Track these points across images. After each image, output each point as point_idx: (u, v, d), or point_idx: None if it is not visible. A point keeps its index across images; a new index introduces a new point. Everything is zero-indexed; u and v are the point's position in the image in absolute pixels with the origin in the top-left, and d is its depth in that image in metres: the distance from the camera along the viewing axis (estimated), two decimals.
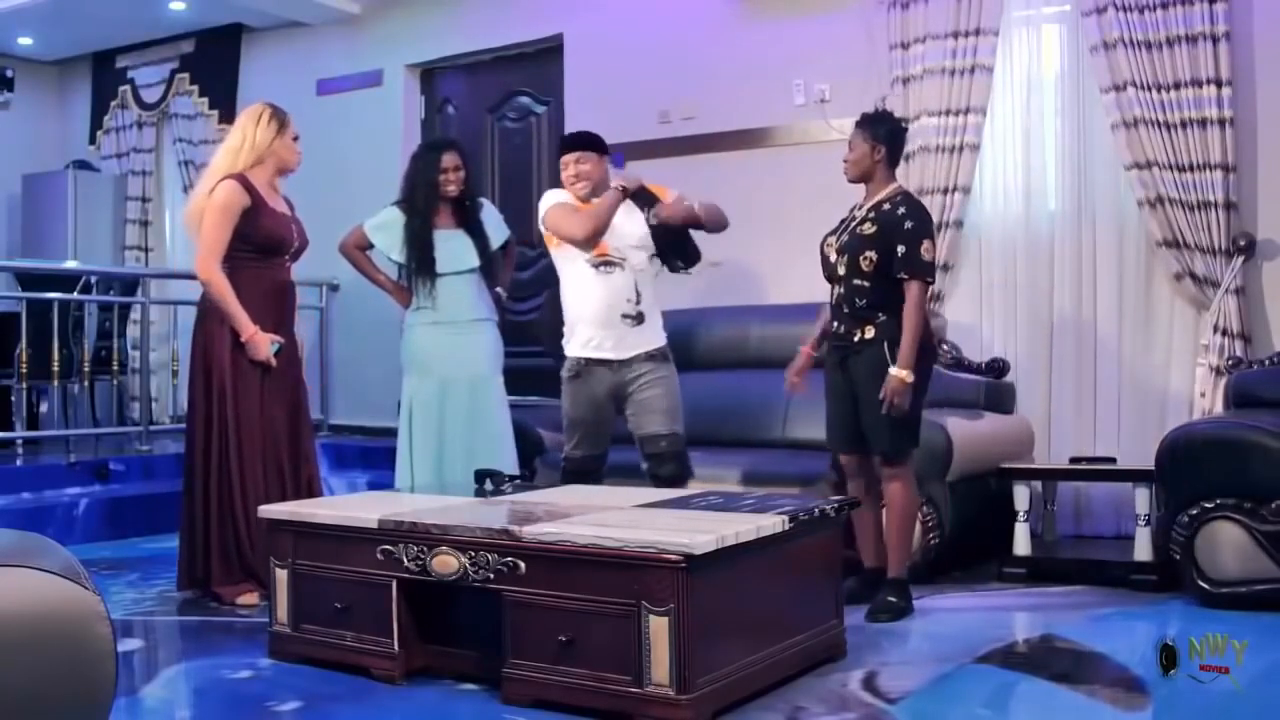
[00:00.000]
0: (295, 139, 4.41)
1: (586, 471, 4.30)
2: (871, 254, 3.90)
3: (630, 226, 4.21)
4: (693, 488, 4.09)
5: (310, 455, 4.48)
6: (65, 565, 1.84)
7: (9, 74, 8.57)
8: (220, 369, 4.25)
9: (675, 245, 4.25)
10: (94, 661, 1.77)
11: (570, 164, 4.30)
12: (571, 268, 4.26)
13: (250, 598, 4.16)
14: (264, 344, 4.26)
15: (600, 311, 4.20)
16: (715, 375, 5.44)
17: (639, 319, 4.22)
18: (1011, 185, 5.38)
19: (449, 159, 4.74)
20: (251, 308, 4.27)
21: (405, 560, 3.19)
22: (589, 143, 4.37)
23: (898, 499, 3.96)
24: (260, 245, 4.30)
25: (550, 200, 4.33)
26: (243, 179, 4.26)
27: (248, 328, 4.23)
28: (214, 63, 7.91)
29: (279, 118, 4.39)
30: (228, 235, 4.25)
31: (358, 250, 4.85)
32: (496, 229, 4.87)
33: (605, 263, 4.20)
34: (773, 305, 5.56)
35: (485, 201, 5.00)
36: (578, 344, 4.27)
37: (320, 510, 3.54)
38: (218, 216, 4.23)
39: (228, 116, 7.68)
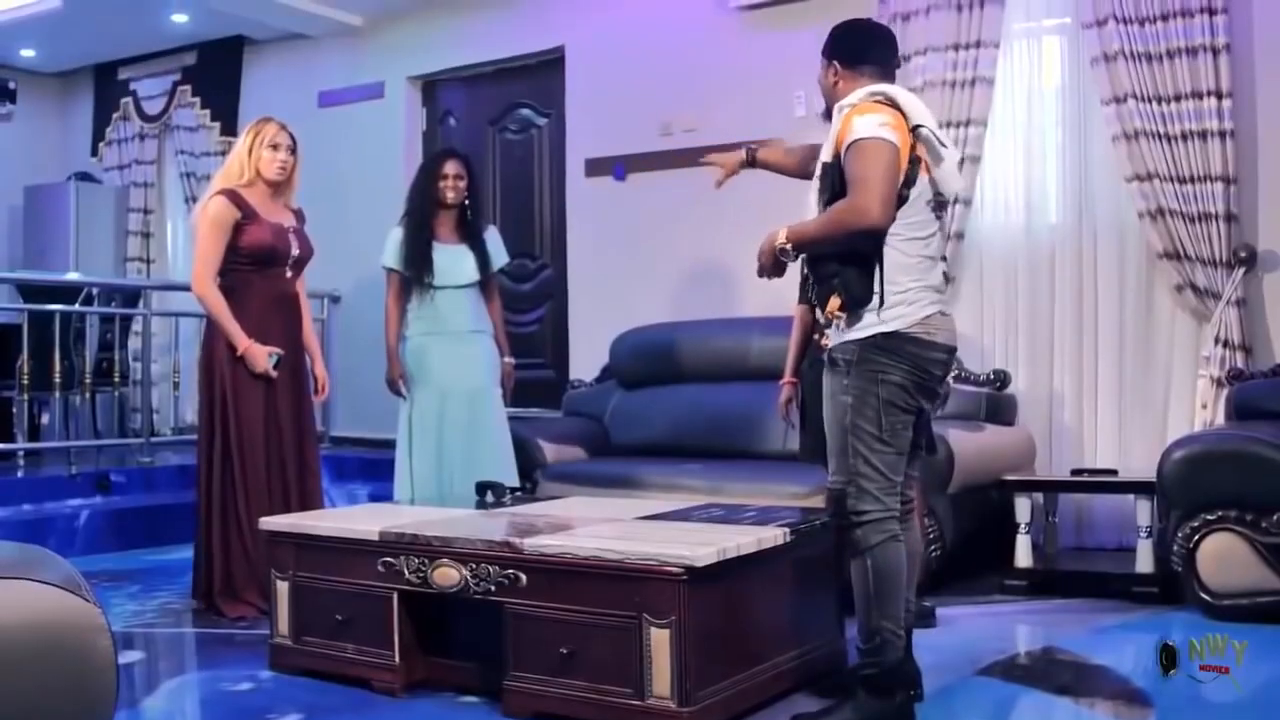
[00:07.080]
0: (275, 147, 4.33)
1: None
2: None
3: None
4: (694, 499, 4.08)
5: (314, 467, 4.48)
6: (66, 577, 1.84)
7: (11, 86, 8.58)
8: (222, 381, 4.27)
9: None
10: (95, 674, 1.77)
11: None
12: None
13: (249, 612, 4.15)
14: (261, 356, 4.26)
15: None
16: (717, 387, 5.44)
17: None
18: (1012, 197, 5.38)
19: (450, 166, 4.76)
20: (252, 318, 4.28)
21: (406, 572, 3.19)
22: None
23: None
24: (253, 256, 4.30)
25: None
26: (232, 194, 4.29)
27: (242, 340, 4.24)
28: (216, 75, 7.93)
29: (254, 127, 4.39)
30: (219, 250, 4.28)
31: (396, 310, 4.77)
32: (497, 252, 4.88)
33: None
34: (774, 317, 5.55)
35: (492, 227, 5.01)
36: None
37: (321, 522, 3.54)
38: (206, 232, 4.28)
39: (229, 128, 7.72)
